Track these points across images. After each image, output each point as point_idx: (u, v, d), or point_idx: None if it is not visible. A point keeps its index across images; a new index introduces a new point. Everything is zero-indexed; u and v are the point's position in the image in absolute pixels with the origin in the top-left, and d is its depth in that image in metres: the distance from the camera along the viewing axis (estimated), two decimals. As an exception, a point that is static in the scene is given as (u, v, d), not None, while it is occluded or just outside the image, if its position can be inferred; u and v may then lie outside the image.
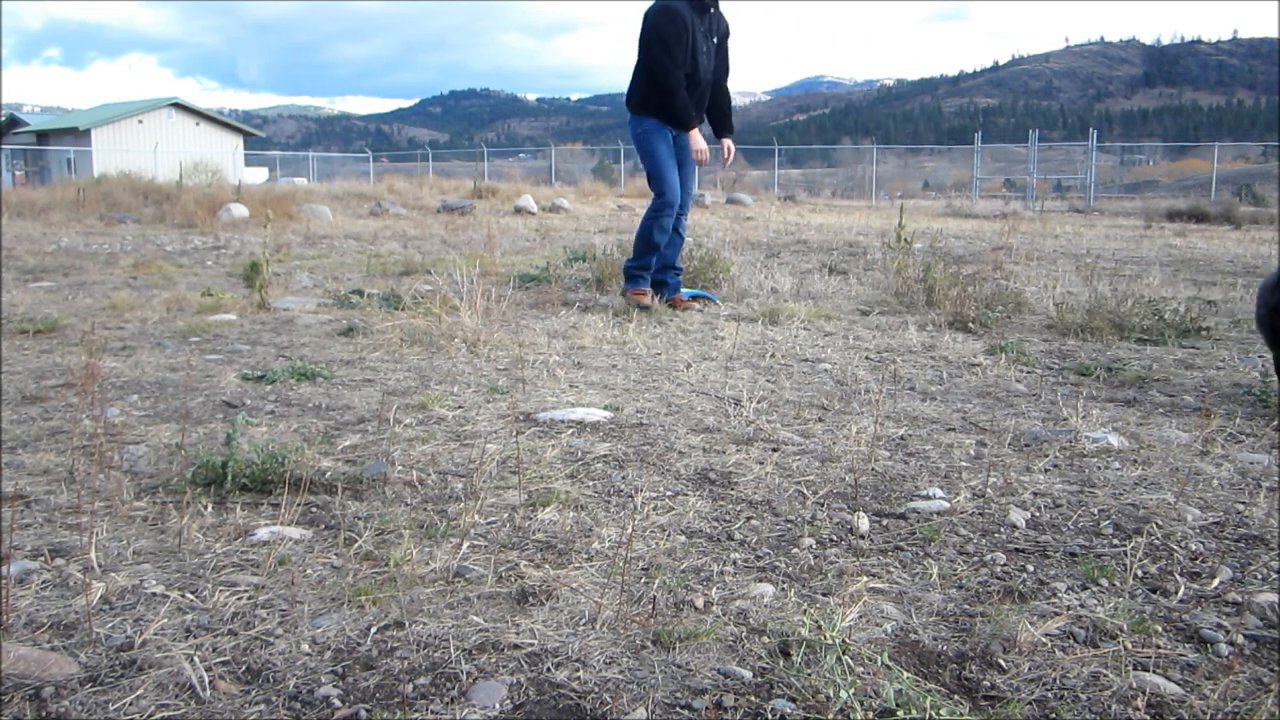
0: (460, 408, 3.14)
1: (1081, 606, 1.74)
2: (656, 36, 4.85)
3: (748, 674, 1.50)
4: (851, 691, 1.39)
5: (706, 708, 1.40)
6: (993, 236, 10.88)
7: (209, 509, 2.17)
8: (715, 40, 5.04)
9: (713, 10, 4.98)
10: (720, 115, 5.28)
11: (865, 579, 1.85)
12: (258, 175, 35.58)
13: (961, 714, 1.38)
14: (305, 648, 1.56)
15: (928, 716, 1.35)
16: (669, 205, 5.11)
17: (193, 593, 1.75)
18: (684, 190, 5.19)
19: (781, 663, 1.51)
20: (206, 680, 1.44)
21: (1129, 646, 1.59)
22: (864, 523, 2.14)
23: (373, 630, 1.62)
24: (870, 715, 1.36)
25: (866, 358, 4.09)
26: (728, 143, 5.38)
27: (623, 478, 2.46)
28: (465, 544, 1.97)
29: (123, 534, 2.03)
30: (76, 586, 1.76)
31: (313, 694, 1.43)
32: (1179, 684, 1.48)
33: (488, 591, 1.77)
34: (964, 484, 2.42)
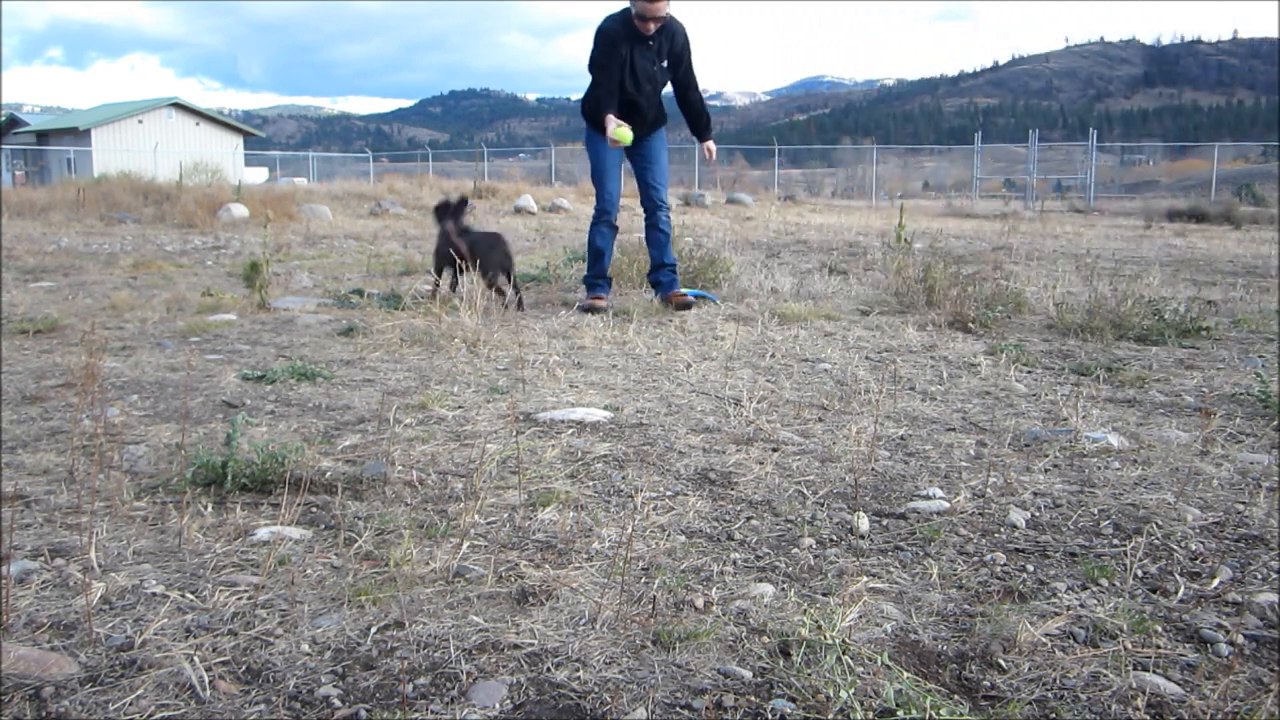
0: (460, 408, 3.14)
1: (1081, 606, 1.74)
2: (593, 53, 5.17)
3: (748, 674, 1.49)
4: (851, 691, 1.39)
5: (706, 708, 1.40)
6: (993, 236, 10.88)
7: (209, 509, 2.17)
8: (664, 62, 5.23)
9: (651, 41, 5.12)
10: (695, 122, 5.53)
11: (865, 579, 1.85)
12: (258, 175, 35.56)
13: (961, 714, 1.38)
14: (305, 648, 1.56)
15: (928, 716, 1.34)
16: (602, 213, 5.33)
17: (193, 593, 1.75)
18: (653, 187, 5.36)
19: (781, 663, 1.51)
20: (206, 680, 1.44)
21: (1129, 646, 1.59)
22: (864, 523, 2.14)
23: (373, 630, 1.62)
24: (870, 715, 1.36)
25: (866, 358, 4.09)
26: (708, 145, 5.60)
27: (623, 478, 2.46)
28: (465, 544, 1.97)
29: (123, 534, 2.03)
30: (76, 586, 1.76)
31: (313, 694, 1.43)
32: (1179, 684, 1.48)
33: (488, 591, 1.77)
34: (964, 484, 2.42)
